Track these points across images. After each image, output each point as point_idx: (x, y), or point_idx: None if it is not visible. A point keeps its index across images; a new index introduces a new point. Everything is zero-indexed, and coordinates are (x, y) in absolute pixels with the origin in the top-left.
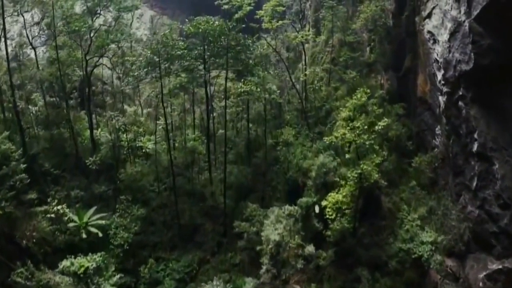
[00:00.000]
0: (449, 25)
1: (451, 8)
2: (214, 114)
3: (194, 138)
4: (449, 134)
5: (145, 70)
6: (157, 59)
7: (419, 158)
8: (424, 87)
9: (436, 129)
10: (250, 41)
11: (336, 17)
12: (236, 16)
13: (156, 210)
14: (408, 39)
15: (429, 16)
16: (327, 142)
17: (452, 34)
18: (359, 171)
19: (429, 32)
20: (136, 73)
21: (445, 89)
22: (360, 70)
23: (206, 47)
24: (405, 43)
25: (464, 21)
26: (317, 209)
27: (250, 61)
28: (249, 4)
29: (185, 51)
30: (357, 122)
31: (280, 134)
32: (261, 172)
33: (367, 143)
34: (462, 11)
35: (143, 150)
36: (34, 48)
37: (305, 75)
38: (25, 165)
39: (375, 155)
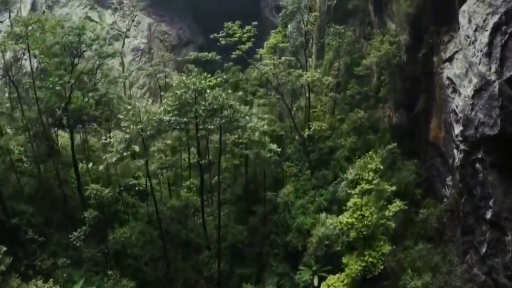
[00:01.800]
0: (474, 80)
1: (479, 62)
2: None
3: (189, 186)
4: (461, 192)
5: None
6: (141, 135)
7: (427, 209)
8: (437, 132)
9: (448, 179)
10: (246, 111)
11: (342, 41)
12: (234, 55)
13: (149, 264)
14: (423, 78)
15: (450, 59)
16: (330, 193)
17: (478, 92)
18: (363, 263)
19: (449, 78)
20: (119, 148)
21: (462, 146)
22: (367, 105)
23: (197, 107)
24: (419, 82)
25: (493, 81)
26: (316, 281)
27: (246, 135)
28: (249, 40)
29: (174, 119)
30: (366, 211)
31: (281, 190)
32: (260, 228)
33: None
34: (493, 69)
35: (136, 188)
36: (16, 87)
37: (308, 108)
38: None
39: (382, 243)
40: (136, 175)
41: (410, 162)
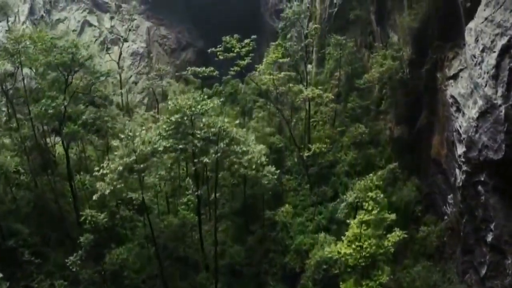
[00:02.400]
0: (480, 102)
1: (486, 84)
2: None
3: (186, 203)
4: (462, 212)
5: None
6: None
7: (427, 227)
8: (439, 149)
9: (449, 197)
10: (243, 138)
11: (343, 52)
12: (232, 71)
13: (146, 282)
14: (426, 94)
15: (454, 77)
16: (329, 212)
17: (483, 114)
18: None
19: (453, 97)
20: (113, 179)
21: (464, 167)
22: (368, 118)
23: (193, 138)
24: (422, 97)
25: (499, 105)
26: None
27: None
28: (248, 54)
29: (170, 145)
30: (365, 241)
31: (280, 208)
32: (258, 248)
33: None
34: (499, 93)
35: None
36: (11, 102)
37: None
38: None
39: (380, 272)
40: (134, 187)
41: (411, 182)
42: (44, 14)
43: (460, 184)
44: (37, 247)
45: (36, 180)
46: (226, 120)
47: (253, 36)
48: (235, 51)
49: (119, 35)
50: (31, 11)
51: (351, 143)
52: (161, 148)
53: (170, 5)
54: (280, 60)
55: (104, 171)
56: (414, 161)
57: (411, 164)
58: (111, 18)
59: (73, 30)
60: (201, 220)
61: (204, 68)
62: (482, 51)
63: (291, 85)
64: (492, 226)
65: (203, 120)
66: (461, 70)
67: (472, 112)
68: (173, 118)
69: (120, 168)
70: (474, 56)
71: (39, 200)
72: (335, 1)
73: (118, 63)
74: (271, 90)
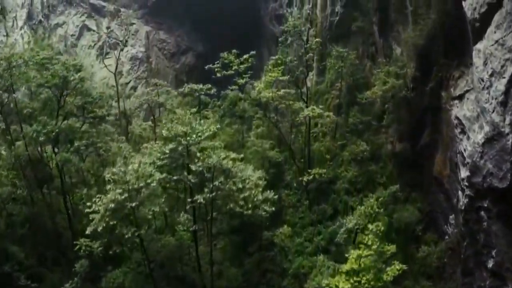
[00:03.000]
0: (486, 128)
1: (493, 110)
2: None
3: (184, 222)
4: (464, 235)
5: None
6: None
7: (428, 246)
8: (442, 168)
9: (450, 217)
10: (240, 174)
11: (344, 63)
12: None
13: None
14: (430, 112)
15: (460, 98)
16: (329, 233)
17: (489, 141)
18: None
19: (458, 118)
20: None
21: (467, 192)
22: (369, 133)
23: (186, 176)
24: (426, 115)
25: (507, 134)
26: None
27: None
28: (245, 73)
29: (164, 177)
30: (363, 277)
31: (278, 229)
32: (256, 271)
33: None
34: (507, 121)
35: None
36: (5, 119)
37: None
38: None
39: None
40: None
41: (412, 200)
42: (42, 19)
43: (463, 207)
44: (33, 268)
45: (32, 195)
46: (222, 154)
47: (252, 52)
48: (234, 68)
49: (118, 39)
50: (29, 16)
51: (351, 159)
52: (154, 184)
53: (170, 9)
54: (280, 78)
55: (96, 208)
56: (416, 178)
57: (413, 181)
58: (110, 22)
59: (72, 35)
60: (198, 237)
61: (201, 86)
62: (491, 75)
63: (291, 102)
64: (493, 253)
65: (198, 154)
66: (467, 91)
67: (478, 137)
68: (167, 150)
69: (112, 205)
70: (482, 80)
71: (35, 217)
72: (336, 9)
73: (115, 73)
74: (271, 103)
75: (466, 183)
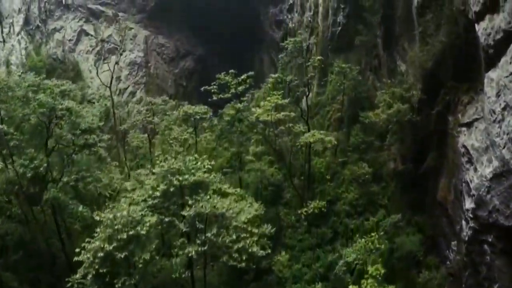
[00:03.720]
0: (495, 163)
1: (504, 146)
2: None
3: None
4: (466, 265)
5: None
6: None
7: (429, 272)
8: (446, 194)
9: (453, 243)
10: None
11: (346, 78)
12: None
13: None
14: (435, 136)
15: (468, 125)
16: (328, 261)
17: (497, 177)
18: None
19: (465, 147)
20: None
21: (472, 224)
22: (372, 153)
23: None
24: (431, 138)
25: None
26: None
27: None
28: (243, 95)
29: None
30: None
31: (276, 257)
32: None
33: None
34: None
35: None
36: None
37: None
38: None
39: None
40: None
41: (414, 227)
42: (39, 24)
43: (466, 238)
44: None
45: (26, 213)
46: (215, 200)
47: (251, 72)
48: (231, 91)
49: (116, 44)
50: (26, 21)
51: (352, 178)
52: (144, 232)
53: (169, 13)
54: (280, 102)
55: (85, 256)
56: (418, 200)
57: (415, 203)
58: (108, 27)
59: (69, 40)
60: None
61: (196, 109)
62: (504, 108)
63: (291, 125)
64: (495, 287)
65: (190, 202)
66: (476, 119)
67: (486, 170)
68: (158, 192)
69: (101, 253)
70: (494, 112)
71: (29, 239)
72: (338, 20)
73: (109, 86)
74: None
75: (471, 215)
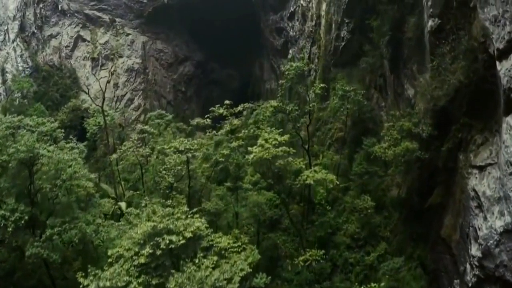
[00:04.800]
0: (508, 218)
1: None
2: None
3: None
4: None
5: None
6: None
7: None
8: (451, 232)
9: (455, 281)
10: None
11: (350, 103)
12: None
13: None
14: (443, 172)
15: (480, 169)
16: None
17: (508, 232)
18: None
19: (475, 191)
20: None
21: (477, 271)
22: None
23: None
24: (438, 174)
25: None
26: None
27: None
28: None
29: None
30: None
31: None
32: None
33: None
34: None
35: None
36: None
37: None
38: None
39: None
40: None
41: (416, 260)
42: (35, 30)
43: (470, 284)
44: None
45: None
46: (202, 272)
47: (249, 104)
48: (227, 129)
49: (113, 50)
50: (22, 28)
51: (353, 207)
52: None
53: (167, 18)
54: (279, 139)
55: None
56: (422, 232)
57: (418, 235)
58: (105, 32)
59: (66, 46)
60: None
61: (187, 144)
62: None
63: (290, 159)
64: None
65: (175, 276)
66: (490, 164)
67: (497, 223)
68: (144, 253)
69: None
70: (511, 163)
71: (20, 268)
72: (342, 34)
73: (101, 106)
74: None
75: (476, 263)
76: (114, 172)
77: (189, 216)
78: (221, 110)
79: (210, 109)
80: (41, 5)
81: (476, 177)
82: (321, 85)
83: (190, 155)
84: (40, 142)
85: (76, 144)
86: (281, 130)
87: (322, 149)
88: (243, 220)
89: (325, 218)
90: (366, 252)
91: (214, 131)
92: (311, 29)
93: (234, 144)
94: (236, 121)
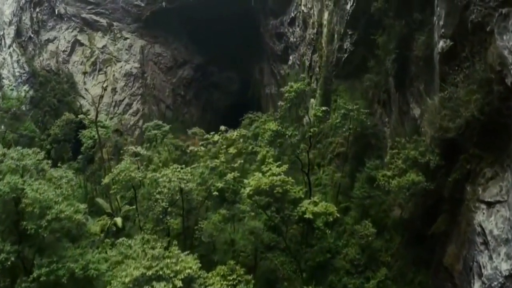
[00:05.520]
0: None
1: None
2: None
3: None
4: None
5: None
6: None
7: None
8: (454, 262)
9: None
10: None
11: (353, 122)
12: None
13: None
14: (449, 202)
15: (488, 205)
16: None
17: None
18: None
19: (481, 227)
20: None
21: None
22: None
23: None
24: (443, 203)
25: None
26: None
27: None
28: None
29: None
30: None
31: None
32: None
33: None
34: None
35: None
36: None
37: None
38: None
39: None
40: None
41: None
42: (32, 35)
43: None
44: None
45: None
46: None
47: (244, 131)
48: (223, 158)
49: (111, 55)
50: (18, 33)
51: (354, 229)
52: None
53: (165, 22)
54: (278, 170)
55: None
56: (424, 258)
57: (420, 260)
58: (103, 36)
59: (63, 51)
60: None
61: (180, 174)
62: None
63: (289, 186)
64: None
65: None
66: (499, 202)
67: (503, 266)
68: None
69: None
70: None
71: None
72: (345, 46)
73: (95, 122)
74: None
75: None
76: (109, 186)
77: (180, 260)
78: (216, 138)
79: (205, 136)
80: (37, 9)
81: (484, 213)
82: (323, 107)
83: (183, 185)
84: (26, 176)
85: (64, 173)
86: (279, 151)
87: (322, 163)
88: (240, 246)
89: (325, 243)
90: (366, 278)
91: (211, 143)
92: (312, 36)
93: (230, 176)
94: (233, 134)
